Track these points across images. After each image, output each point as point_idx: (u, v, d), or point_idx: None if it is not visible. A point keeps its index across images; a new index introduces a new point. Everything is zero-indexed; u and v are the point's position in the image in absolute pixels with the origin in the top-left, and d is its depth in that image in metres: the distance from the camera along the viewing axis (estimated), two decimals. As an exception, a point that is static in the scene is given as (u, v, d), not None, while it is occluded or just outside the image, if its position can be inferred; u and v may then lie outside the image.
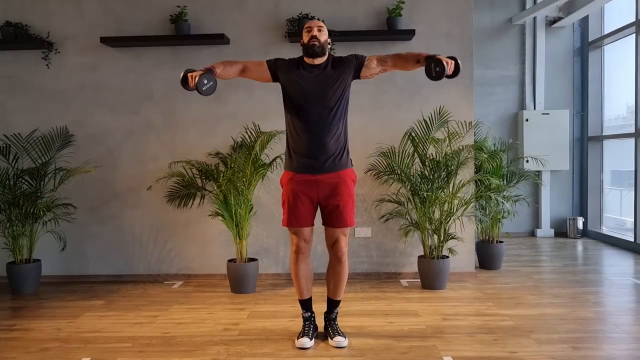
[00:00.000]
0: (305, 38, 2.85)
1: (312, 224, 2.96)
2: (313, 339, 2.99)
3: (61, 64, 4.55)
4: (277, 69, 2.91)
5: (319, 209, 2.98)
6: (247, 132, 4.24)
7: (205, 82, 2.64)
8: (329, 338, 3.00)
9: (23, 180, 4.31)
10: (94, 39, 4.48)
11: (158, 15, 4.50)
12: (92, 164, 4.48)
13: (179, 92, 4.53)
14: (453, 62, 2.69)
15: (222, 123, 4.53)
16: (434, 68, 2.66)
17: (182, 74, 2.72)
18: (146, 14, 4.51)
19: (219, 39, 4.36)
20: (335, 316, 3.08)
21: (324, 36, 2.85)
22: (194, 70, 2.70)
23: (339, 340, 2.94)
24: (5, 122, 4.53)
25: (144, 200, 4.56)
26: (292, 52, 4.37)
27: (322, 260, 4.33)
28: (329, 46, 2.91)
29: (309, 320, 3.06)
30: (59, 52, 4.53)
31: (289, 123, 2.93)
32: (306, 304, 3.06)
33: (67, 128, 4.53)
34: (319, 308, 3.16)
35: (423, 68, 2.74)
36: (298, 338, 2.97)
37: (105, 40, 4.41)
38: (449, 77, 2.71)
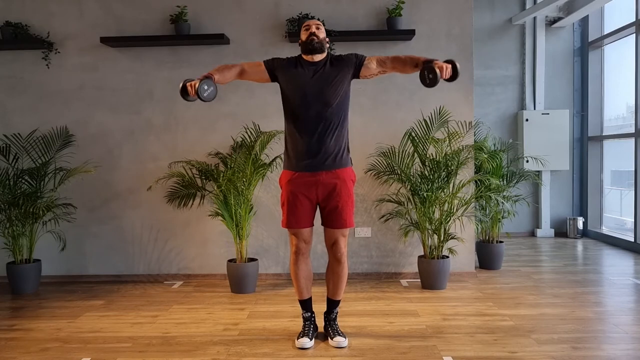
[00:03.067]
0: (304, 36, 2.87)
1: (312, 225, 2.96)
2: (313, 339, 2.99)
3: (61, 64, 4.55)
4: (275, 69, 2.91)
5: (318, 210, 2.98)
6: (247, 132, 4.24)
7: (206, 87, 2.63)
8: (329, 338, 3.00)
9: (23, 180, 4.31)
10: (94, 39, 4.49)
11: (158, 15, 4.50)
12: (92, 164, 4.48)
13: (178, 92, 4.54)
14: (450, 66, 2.62)
15: (222, 123, 4.53)
16: (427, 75, 2.62)
17: (180, 85, 2.70)
18: (146, 14, 4.51)
19: (219, 39, 4.36)
20: (335, 316, 3.08)
21: (322, 33, 2.87)
22: (192, 80, 2.68)
23: (339, 340, 2.95)
24: (5, 122, 4.54)
25: (144, 200, 4.56)
26: (292, 52, 4.35)
27: (322, 260, 4.33)
28: (328, 45, 2.92)
29: (309, 320, 3.06)
30: (59, 52, 4.53)
31: (288, 122, 2.92)
32: (306, 304, 3.06)
33: (67, 128, 4.53)
34: (319, 308, 3.16)
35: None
36: (298, 338, 2.97)
37: (105, 40, 4.41)
38: (448, 80, 2.66)
